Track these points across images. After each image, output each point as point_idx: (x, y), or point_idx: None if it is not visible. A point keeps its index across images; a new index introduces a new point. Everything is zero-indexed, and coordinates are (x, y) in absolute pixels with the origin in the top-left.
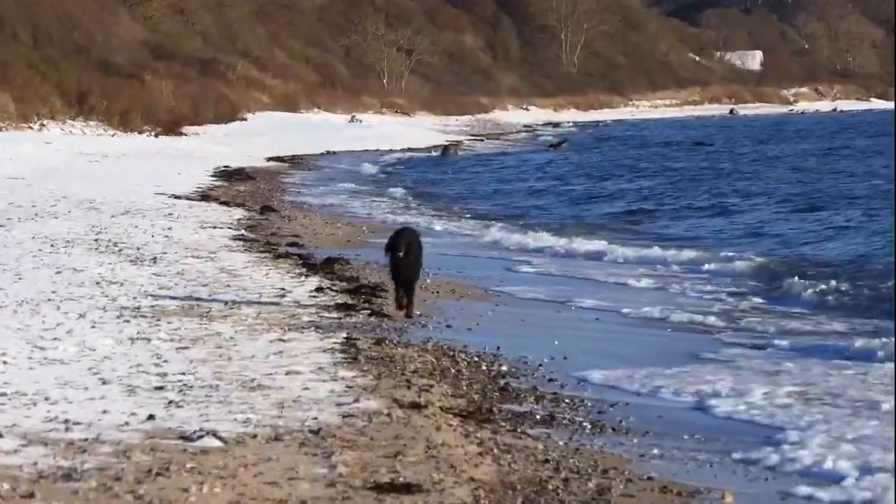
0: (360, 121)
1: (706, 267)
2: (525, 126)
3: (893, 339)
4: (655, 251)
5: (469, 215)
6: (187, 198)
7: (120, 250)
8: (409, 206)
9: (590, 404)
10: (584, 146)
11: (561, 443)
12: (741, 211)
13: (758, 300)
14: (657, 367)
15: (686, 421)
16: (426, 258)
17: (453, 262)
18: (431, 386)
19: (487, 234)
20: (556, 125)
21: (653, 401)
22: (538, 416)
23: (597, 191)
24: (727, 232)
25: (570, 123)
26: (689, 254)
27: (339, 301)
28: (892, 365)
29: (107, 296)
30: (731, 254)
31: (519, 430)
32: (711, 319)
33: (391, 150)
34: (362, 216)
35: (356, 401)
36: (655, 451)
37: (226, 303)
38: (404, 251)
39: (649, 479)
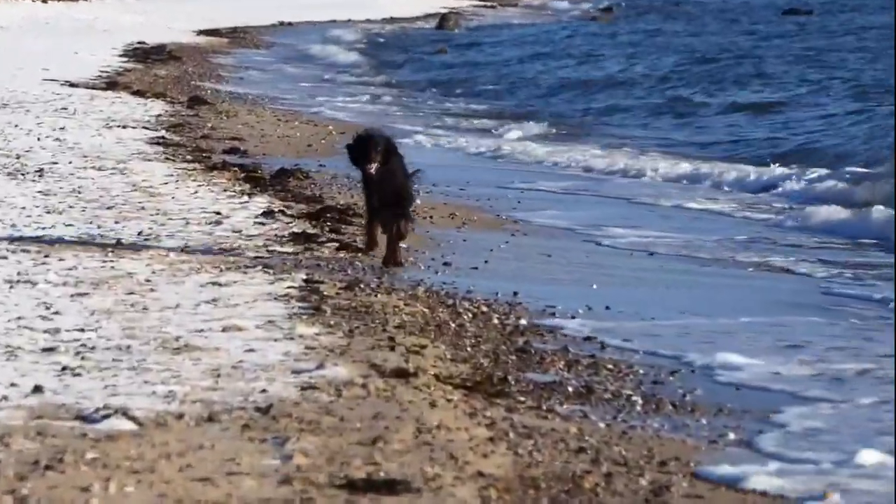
0: None
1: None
2: None
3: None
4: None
5: (472, 114)
6: (87, 86)
7: None
8: (392, 100)
9: (642, 372)
10: (642, 13)
11: (602, 425)
12: (813, 106)
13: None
14: (731, 320)
15: (774, 396)
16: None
17: (452, 175)
18: (423, 347)
19: (496, 139)
20: None
21: (726, 368)
22: (570, 389)
23: (647, 87)
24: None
25: None
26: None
27: (296, 230)
28: None
29: None
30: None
31: (544, 406)
32: (795, 258)
33: (368, 21)
34: (328, 113)
35: (320, 367)
36: (731, 435)
37: (139, 232)
38: (378, 163)
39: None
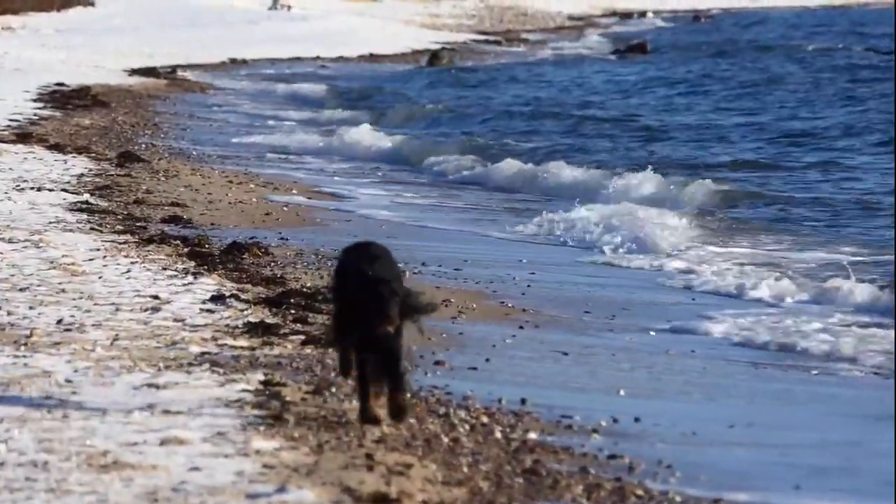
0: (289, 7)
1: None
2: (572, 18)
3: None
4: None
5: (473, 174)
6: None
7: None
8: (375, 156)
9: (679, 501)
10: (684, 52)
11: None
12: None
13: None
14: (806, 436)
15: None
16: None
17: (450, 252)
18: (409, 466)
19: (505, 213)
20: (629, 16)
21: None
22: None
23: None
24: None
25: (654, 15)
26: None
27: (252, 319)
28: None
29: None
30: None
31: None
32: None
33: (342, 59)
34: (292, 173)
35: (281, 490)
36: None
37: (59, 321)
38: (382, 290)
39: None
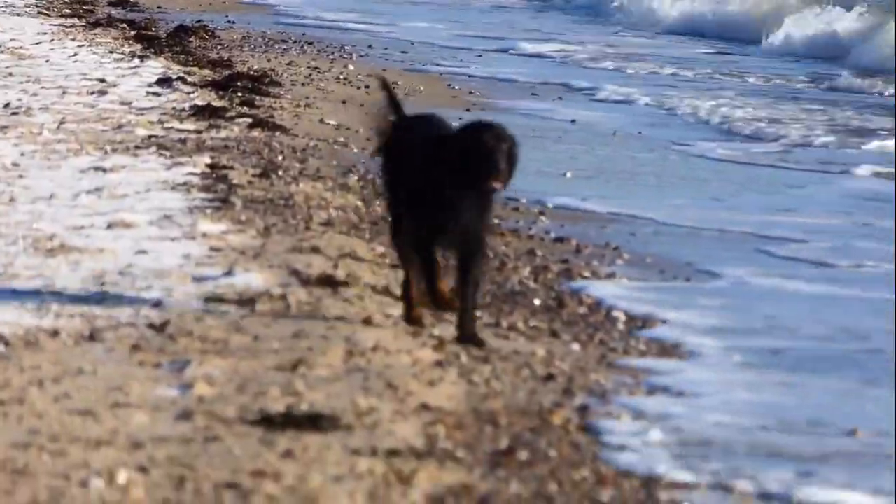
0: None
1: None
2: None
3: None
4: None
5: None
6: None
7: None
8: None
9: (626, 281)
10: None
11: (575, 347)
12: None
13: None
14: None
15: None
16: None
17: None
18: (356, 249)
19: None
20: None
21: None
22: (538, 302)
23: None
24: None
25: None
26: None
27: (199, 102)
28: None
29: None
30: None
31: (504, 323)
32: None
33: None
34: None
35: (228, 273)
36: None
37: (6, 105)
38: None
39: None
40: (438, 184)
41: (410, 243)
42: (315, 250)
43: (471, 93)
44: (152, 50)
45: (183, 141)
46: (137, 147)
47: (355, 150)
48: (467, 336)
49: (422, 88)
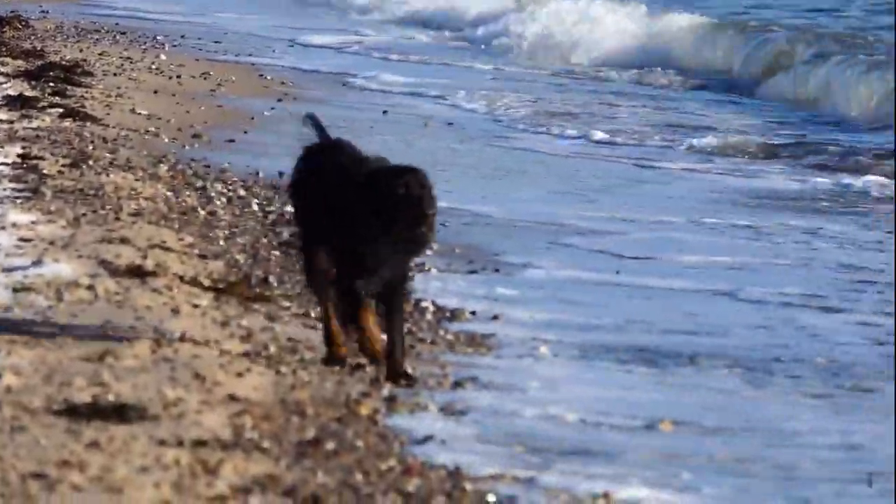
0: None
1: None
2: None
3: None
4: None
5: None
6: None
7: None
8: None
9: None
10: None
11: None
12: None
13: None
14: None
15: None
16: None
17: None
18: (165, 240)
19: None
20: None
21: None
22: None
23: None
24: None
25: None
26: None
27: (11, 92)
28: None
29: None
30: None
31: (314, 314)
32: None
33: None
34: None
35: (37, 263)
36: None
37: None
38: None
39: None
40: (367, 229)
41: (330, 280)
42: (124, 241)
43: (283, 83)
44: None
45: None
46: None
47: (166, 140)
48: (398, 373)
49: (234, 78)
